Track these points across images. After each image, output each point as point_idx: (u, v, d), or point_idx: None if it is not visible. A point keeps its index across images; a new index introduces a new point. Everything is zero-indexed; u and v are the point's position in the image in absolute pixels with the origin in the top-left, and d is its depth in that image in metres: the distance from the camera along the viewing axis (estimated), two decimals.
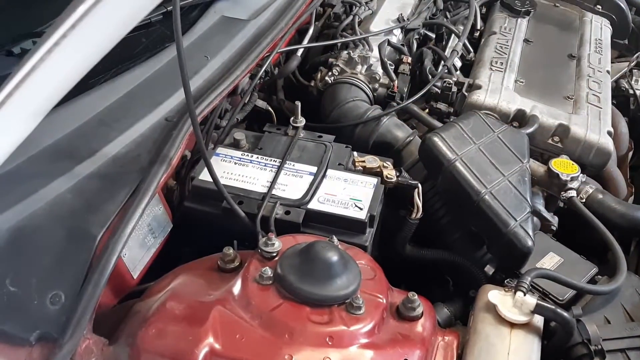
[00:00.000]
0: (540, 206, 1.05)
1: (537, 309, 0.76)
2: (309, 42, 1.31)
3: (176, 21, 0.70)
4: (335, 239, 0.80)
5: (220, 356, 0.68)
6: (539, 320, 0.78)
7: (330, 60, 1.29)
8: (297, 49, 1.26)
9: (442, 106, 1.26)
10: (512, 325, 0.77)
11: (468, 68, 1.39)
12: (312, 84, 1.29)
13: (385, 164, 0.98)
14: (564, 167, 1.07)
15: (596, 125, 1.20)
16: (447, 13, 1.63)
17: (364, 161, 0.99)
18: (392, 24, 1.42)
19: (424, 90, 1.23)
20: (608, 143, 1.18)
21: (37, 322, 0.68)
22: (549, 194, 1.10)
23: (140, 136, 0.90)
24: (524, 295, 0.77)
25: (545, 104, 1.23)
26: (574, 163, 1.08)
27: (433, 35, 1.50)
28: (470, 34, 1.47)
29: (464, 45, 1.41)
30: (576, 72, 1.37)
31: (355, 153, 1.01)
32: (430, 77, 1.30)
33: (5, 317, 0.68)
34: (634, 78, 1.56)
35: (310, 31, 1.33)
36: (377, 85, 1.26)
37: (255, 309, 0.71)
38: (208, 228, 0.89)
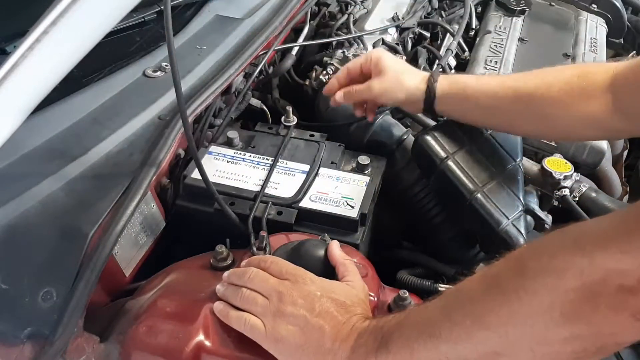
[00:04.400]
0: (534, 205, 1.05)
1: None
2: (304, 40, 1.31)
3: (167, 19, 0.70)
4: (327, 237, 0.80)
5: (210, 354, 0.69)
6: None
7: (325, 59, 1.28)
8: (292, 48, 1.26)
9: None
10: None
11: (463, 67, 1.39)
12: (307, 82, 1.28)
13: None
14: (557, 165, 1.07)
15: None
16: (442, 12, 1.62)
17: None
18: (387, 23, 1.42)
19: None
20: (602, 142, 1.18)
21: (29, 319, 0.68)
22: (543, 193, 1.10)
23: (133, 135, 0.90)
24: None
25: None
26: (567, 162, 1.08)
27: (428, 34, 1.50)
28: (465, 33, 1.47)
29: (459, 44, 1.41)
30: None
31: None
32: None
33: None
34: None
35: (305, 30, 1.33)
36: None
37: None
38: (201, 226, 0.89)
